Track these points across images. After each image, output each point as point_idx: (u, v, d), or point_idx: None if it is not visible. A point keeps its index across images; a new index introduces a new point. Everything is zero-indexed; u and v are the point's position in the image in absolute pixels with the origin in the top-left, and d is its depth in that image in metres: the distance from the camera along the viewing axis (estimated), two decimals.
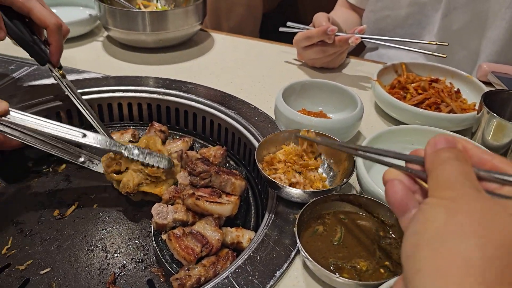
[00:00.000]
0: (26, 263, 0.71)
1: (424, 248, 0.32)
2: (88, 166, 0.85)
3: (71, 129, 0.79)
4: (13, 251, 0.73)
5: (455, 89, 1.01)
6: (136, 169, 0.79)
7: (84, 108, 0.92)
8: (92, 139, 0.79)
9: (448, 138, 0.40)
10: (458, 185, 0.35)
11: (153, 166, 0.78)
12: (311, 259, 0.57)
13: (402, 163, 0.43)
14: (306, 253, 0.57)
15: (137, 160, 0.79)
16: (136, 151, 0.80)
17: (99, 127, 0.90)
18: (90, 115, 0.92)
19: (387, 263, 0.60)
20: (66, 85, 0.94)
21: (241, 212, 0.79)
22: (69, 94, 0.94)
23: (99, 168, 0.83)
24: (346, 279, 0.55)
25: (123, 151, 0.79)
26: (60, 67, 0.96)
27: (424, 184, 0.41)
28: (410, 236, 0.35)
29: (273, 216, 0.70)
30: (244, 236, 0.71)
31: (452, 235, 0.32)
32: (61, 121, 0.99)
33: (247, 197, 0.85)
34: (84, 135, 0.79)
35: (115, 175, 0.80)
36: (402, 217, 0.40)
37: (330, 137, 0.76)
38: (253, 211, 0.83)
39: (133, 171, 0.79)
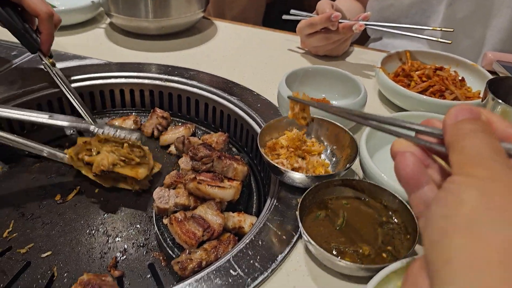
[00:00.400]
0: (27, 247, 0.71)
1: (456, 235, 0.28)
2: (54, 158, 0.81)
3: (37, 112, 0.79)
4: (14, 235, 0.73)
5: (460, 78, 1.00)
6: (108, 150, 0.78)
7: (73, 97, 0.91)
8: (59, 118, 0.79)
9: (471, 109, 0.35)
10: (489, 161, 0.31)
11: (124, 138, 0.78)
12: (313, 243, 0.56)
13: (409, 134, 0.40)
14: (308, 237, 0.57)
15: (108, 134, 0.78)
16: (106, 127, 0.79)
17: (87, 115, 0.89)
18: (78, 104, 0.91)
19: (389, 248, 0.59)
20: (55, 74, 0.94)
21: (243, 198, 0.78)
22: (58, 83, 0.93)
23: (65, 159, 0.80)
24: (348, 263, 0.55)
25: (91, 127, 0.79)
26: (51, 56, 0.96)
27: (438, 159, 0.38)
28: (437, 219, 0.31)
29: (275, 201, 0.70)
30: (246, 221, 0.71)
31: (489, 221, 0.28)
32: (63, 107, 0.99)
33: (249, 183, 0.85)
34: (51, 116, 0.79)
35: (87, 157, 0.78)
36: (413, 194, 0.37)
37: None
38: (255, 197, 0.83)
39: (106, 151, 0.78)
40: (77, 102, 0.91)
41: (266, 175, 0.84)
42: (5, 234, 0.73)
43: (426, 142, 0.38)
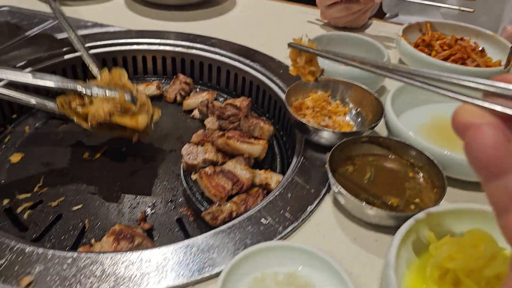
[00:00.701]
0: (58, 200, 0.72)
1: None
2: (43, 108, 0.74)
3: (18, 70, 0.73)
4: (44, 189, 0.74)
5: (480, 48, 1.00)
6: (103, 98, 0.70)
7: (75, 34, 0.87)
8: (44, 78, 0.70)
9: None
10: None
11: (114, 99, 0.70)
12: (344, 192, 0.57)
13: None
14: (339, 186, 0.58)
15: (96, 95, 0.70)
16: (94, 88, 0.71)
17: (82, 48, 0.86)
18: (79, 40, 0.86)
19: (417, 200, 0.61)
20: (56, 9, 0.90)
21: (267, 159, 0.80)
22: (59, 19, 0.89)
23: (56, 109, 0.72)
24: (378, 210, 0.56)
25: (79, 88, 0.70)
26: None
27: None
28: None
29: (301, 158, 0.71)
30: (273, 178, 0.72)
31: None
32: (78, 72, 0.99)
33: (272, 146, 0.86)
34: (34, 75, 0.70)
35: (80, 107, 0.71)
36: (492, 182, 0.26)
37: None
38: (278, 160, 0.84)
39: (100, 100, 0.70)
40: (78, 39, 0.86)
41: (289, 139, 0.85)
42: (35, 189, 0.74)
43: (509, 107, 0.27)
